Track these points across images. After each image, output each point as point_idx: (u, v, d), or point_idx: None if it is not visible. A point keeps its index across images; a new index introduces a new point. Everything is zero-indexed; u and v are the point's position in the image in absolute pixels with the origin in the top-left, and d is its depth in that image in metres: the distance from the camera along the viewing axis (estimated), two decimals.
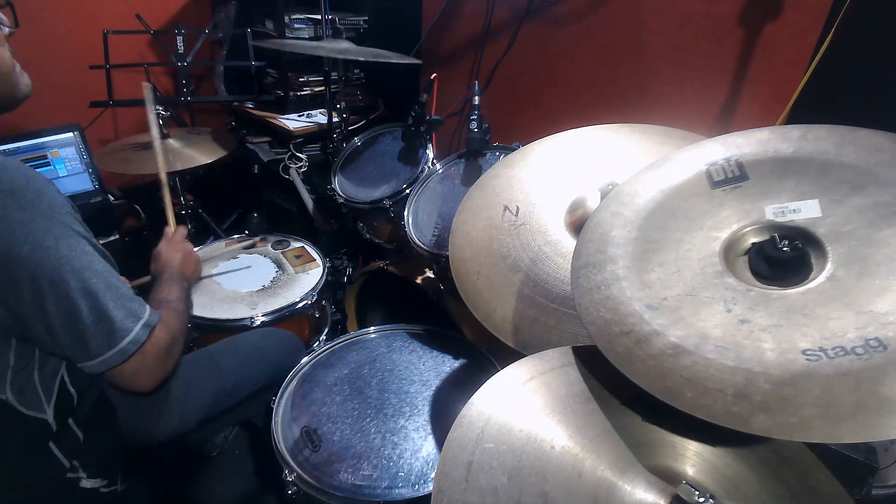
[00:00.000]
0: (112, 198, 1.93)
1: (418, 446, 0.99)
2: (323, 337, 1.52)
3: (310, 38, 1.95)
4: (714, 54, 1.42)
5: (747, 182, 0.69)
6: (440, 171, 1.45)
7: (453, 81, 2.10)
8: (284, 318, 1.37)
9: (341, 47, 1.51)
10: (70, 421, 0.83)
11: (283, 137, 1.97)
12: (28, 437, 0.79)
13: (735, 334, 0.56)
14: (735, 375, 0.53)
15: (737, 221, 0.66)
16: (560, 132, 1.11)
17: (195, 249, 1.60)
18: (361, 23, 2.05)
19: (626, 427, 0.63)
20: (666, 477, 0.58)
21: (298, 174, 1.95)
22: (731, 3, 1.35)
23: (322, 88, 2.05)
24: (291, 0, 1.97)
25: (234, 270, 1.54)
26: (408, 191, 1.44)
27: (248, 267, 1.56)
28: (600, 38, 1.66)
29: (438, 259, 1.26)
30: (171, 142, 1.72)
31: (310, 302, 1.42)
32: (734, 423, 0.50)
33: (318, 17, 1.92)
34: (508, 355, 0.78)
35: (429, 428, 1.03)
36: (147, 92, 1.44)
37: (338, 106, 1.80)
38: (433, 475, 0.76)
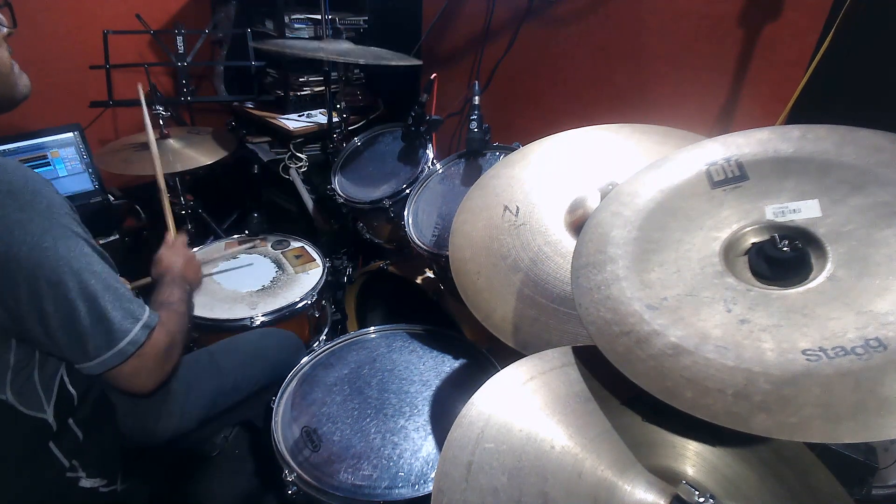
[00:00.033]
0: (112, 198, 1.93)
1: (418, 446, 0.99)
2: (323, 337, 1.52)
3: (310, 38, 1.94)
4: (714, 54, 1.42)
5: (747, 182, 0.69)
6: (440, 171, 1.45)
7: (453, 81, 2.10)
8: (284, 318, 1.37)
9: (341, 49, 1.51)
10: (70, 421, 0.83)
11: (283, 137, 1.97)
12: (28, 437, 0.79)
13: (735, 334, 0.56)
14: (735, 375, 0.53)
15: (737, 221, 0.66)
16: (560, 132, 1.11)
17: (195, 250, 1.61)
18: (361, 23, 2.04)
19: (626, 427, 0.63)
20: (666, 477, 0.58)
21: (298, 174, 1.95)
22: (731, 3, 1.35)
23: (322, 88, 2.05)
24: (291, 0, 1.97)
25: (234, 270, 1.54)
26: (408, 191, 1.44)
27: (249, 267, 1.56)
28: (600, 38, 1.66)
29: (438, 259, 1.26)
30: (171, 142, 1.72)
31: (310, 302, 1.42)
32: (734, 423, 0.50)
33: (318, 17, 1.91)
34: (508, 355, 0.78)
35: (429, 428, 1.03)
36: (142, 96, 1.43)
37: (338, 106, 1.80)
38: (433, 475, 0.76)
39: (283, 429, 1.03)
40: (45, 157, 1.77)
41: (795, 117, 1.23)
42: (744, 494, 0.59)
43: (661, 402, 0.54)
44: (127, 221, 2.00)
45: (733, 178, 0.70)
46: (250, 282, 1.48)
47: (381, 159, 1.65)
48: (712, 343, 0.56)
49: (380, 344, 1.26)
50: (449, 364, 1.20)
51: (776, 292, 0.59)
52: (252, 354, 1.18)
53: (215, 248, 1.65)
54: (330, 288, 1.61)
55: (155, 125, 1.71)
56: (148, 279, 1.14)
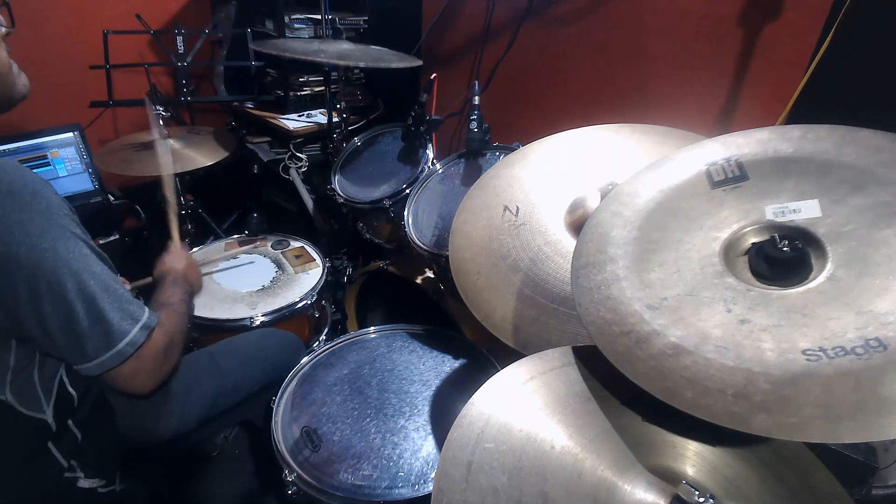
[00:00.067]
0: (112, 198, 1.93)
1: (418, 446, 0.99)
2: (323, 337, 1.52)
3: (310, 38, 1.94)
4: (714, 54, 1.42)
5: (747, 182, 0.69)
6: (440, 171, 1.45)
7: (453, 81, 2.10)
8: (284, 318, 1.37)
9: (341, 51, 1.51)
10: (69, 422, 0.83)
11: (283, 137, 1.97)
12: (27, 438, 0.79)
13: (735, 334, 0.56)
14: (735, 375, 0.53)
15: (737, 221, 0.66)
16: (560, 132, 1.11)
17: (195, 250, 1.61)
18: (361, 23, 2.04)
19: (626, 427, 0.63)
20: (666, 477, 0.58)
21: (298, 174, 1.95)
22: (731, 3, 1.36)
23: (322, 88, 2.05)
24: (291, 0, 1.97)
25: (234, 270, 1.54)
26: (408, 191, 1.44)
27: (249, 267, 1.56)
28: (600, 38, 1.66)
29: (438, 259, 1.26)
30: (171, 142, 1.71)
31: (309, 302, 1.42)
32: (734, 423, 0.50)
33: (318, 17, 1.92)
34: (508, 355, 0.78)
35: (429, 428, 1.03)
36: (152, 115, 1.44)
37: (338, 106, 1.80)
38: (433, 475, 0.76)
39: (283, 429, 1.03)
40: (45, 157, 1.77)
41: (795, 117, 1.23)
42: (744, 494, 0.59)
43: (661, 402, 0.54)
44: (127, 221, 2.00)
45: (733, 178, 0.70)
46: (250, 282, 1.48)
47: (381, 159, 1.65)
48: (712, 343, 0.56)
49: (380, 344, 1.26)
50: (449, 364, 1.20)
51: (776, 292, 0.59)
52: (252, 355, 1.18)
53: (215, 248, 1.65)
54: (330, 288, 1.61)
55: (155, 125, 1.71)
56: (149, 279, 1.14)
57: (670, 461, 0.61)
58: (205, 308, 1.36)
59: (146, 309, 0.83)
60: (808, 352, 0.51)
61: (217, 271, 1.52)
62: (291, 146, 1.94)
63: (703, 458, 0.61)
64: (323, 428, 1.02)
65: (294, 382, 1.14)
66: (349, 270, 1.64)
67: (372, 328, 1.30)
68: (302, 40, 1.89)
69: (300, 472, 0.93)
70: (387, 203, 1.44)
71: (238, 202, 2.19)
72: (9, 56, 0.81)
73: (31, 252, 0.70)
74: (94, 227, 1.73)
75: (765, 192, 0.67)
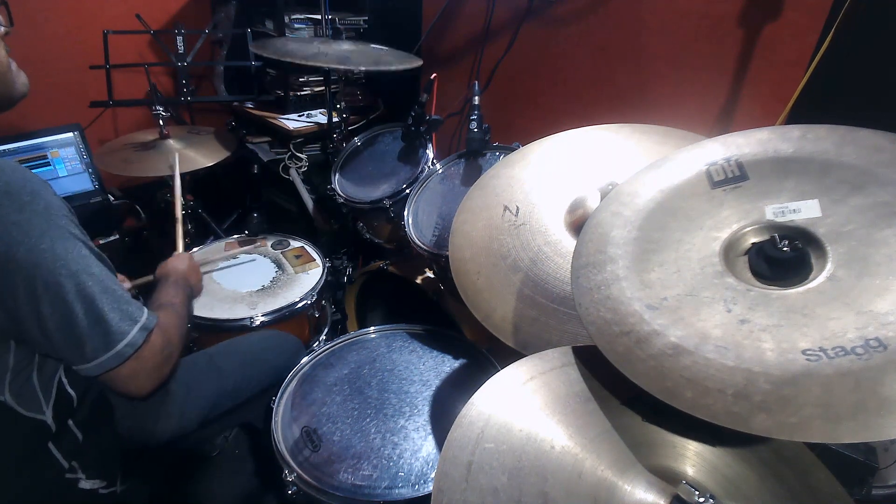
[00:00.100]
0: (112, 198, 1.93)
1: (418, 446, 0.99)
2: (323, 337, 1.52)
3: (310, 38, 1.94)
4: (714, 54, 1.42)
5: (747, 182, 0.69)
6: (440, 171, 1.45)
7: (453, 81, 2.10)
8: (284, 318, 1.37)
9: (342, 53, 1.50)
10: (70, 422, 0.83)
11: (283, 137, 1.97)
12: (27, 438, 0.79)
13: (735, 334, 0.56)
14: (735, 375, 0.53)
15: (737, 221, 0.66)
16: (560, 132, 1.11)
17: (195, 250, 1.61)
18: (361, 23, 2.04)
19: (626, 427, 0.63)
20: (666, 477, 0.58)
21: (298, 174, 1.95)
22: (731, 3, 1.36)
23: (322, 88, 2.05)
24: (291, 0, 1.97)
25: (234, 270, 1.54)
26: (408, 191, 1.44)
27: (249, 267, 1.56)
28: (600, 38, 1.66)
29: (438, 259, 1.26)
30: (171, 142, 1.71)
31: (309, 302, 1.42)
32: (734, 423, 0.50)
33: (318, 17, 1.92)
34: (508, 355, 0.78)
35: (429, 428, 1.03)
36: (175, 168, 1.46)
37: (338, 106, 1.80)
38: (433, 475, 0.76)
39: (283, 429, 1.03)
40: (44, 157, 1.77)
41: (795, 117, 1.23)
42: (744, 494, 0.59)
43: (661, 402, 0.54)
44: (127, 221, 2.00)
45: (733, 178, 0.70)
46: (250, 282, 1.48)
47: (381, 159, 1.65)
48: (712, 343, 0.56)
49: (380, 344, 1.26)
50: (449, 364, 1.20)
51: (776, 292, 0.59)
52: (252, 356, 1.18)
53: (215, 248, 1.65)
54: (330, 288, 1.61)
55: (155, 125, 1.71)
56: (149, 277, 1.15)
57: (670, 461, 0.61)
58: (205, 308, 1.35)
59: (145, 310, 0.83)
60: (808, 352, 0.51)
61: (217, 270, 1.52)
62: (291, 146, 1.94)
63: (703, 458, 0.61)
64: (323, 428, 1.02)
65: (294, 382, 1.14)
66: (349, 270, 1.63)
67: (372, 328, 1.30)
68: (302, 41, 1.89)
69: (300, 472, 0.93)
70: (387, 203, 1.44)
71: (238, 202, 2.19)
72: (8, 55, 0.81)
73: (29, 252, 0.70)
74: (94, 227, 1.73)
75: (765, 192, 0.67)
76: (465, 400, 0.65)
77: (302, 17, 1.94)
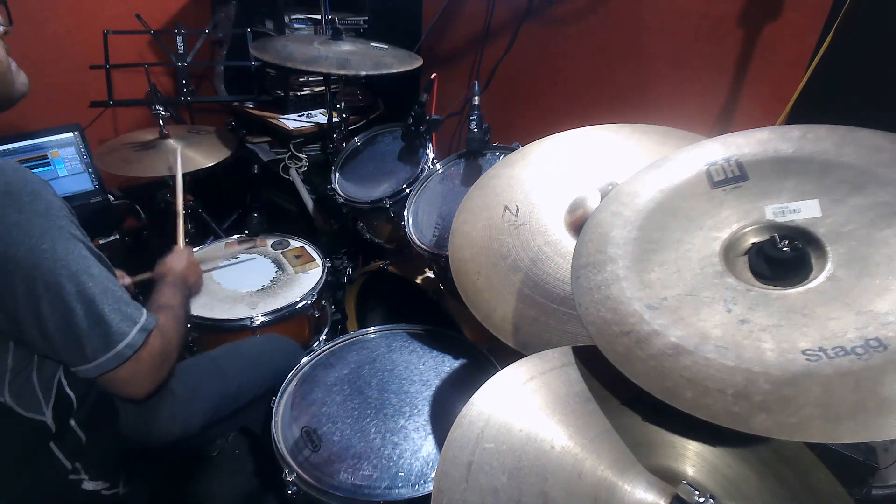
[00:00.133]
0: (112, 198, 1.93)
1: (418, 446, 0.99)
2: (323, 337, 1.52)
3: (310, 39, 1.94)
4: (714, 54, 1.42)
5: (747, 182, 0.69)
6: (440, 171, 1.45)
7: (453, 81, 2.10)
8: (284, 318, 1.37)
9: (341, 55, 1.50)
10: (72, 422, 0.83)
11: (283, 137, 1.97)
12: (28, 439, 0.79)
13: (735, 334, 0.56)
14: (735, 375, 0.53)
15: (737, 221, 0.66)
16: (560, 132, 1.11)
17: (195, 250, 1.61)
18: (361, 23, 2.04)
19: (626, 427, 0.63)
20: (666, 477, 0.58)
21: (298, 174, 1.95)
22: (731, 3, 1.36)
23: (322, 88, 2.05)
24: (291, 0, 1.97)
25: (233, 270, 1.54)
26: (408, 191, 1.44)
27: (248, 267, 1.56)
28: (600, 38, 1.66)
29: (438, 259, 1.26)
30: (171, 142, 1.71)
31: (310, 302, 1.42)
32: (734, 423, 0.50)
33: (319, 17, 1.92)
34: (508, 355, 0.78)
35: (429, 428, 1.03)
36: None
37: (338, 106, 1.80)
38: (433, 475, 0.76)
39: (283, 429, 1.03)
40: (44, 157, 1.77)
41: (795, 117, 1.23)
42: (744, 494, 0.59)
43: (661, 402, 0.54)
44: (127, 221, 2.00)
45: (733, 178, 0.70)
46: (250, 282, 1.48)
47: (381, 159, 1.65)
48: (712, 343, 0.56)
49: (380, 344, 1.26)
50: (449, 364, 1.20)
51: (776, 292, 0.59)
52: (254, 360, 1.18)
53: (215, 248, 1.65)
54: (330, 288, 1.61)
55: (155, 125, 1.71)
56: (149, 274, 1.14)
57: (670, 461, 0.61)
58: (205, 308, 1.35)
59: (144, 311, 0.83)
60: (808, 352, 0.51)
61: (217, 268, 1.52)
62: (291, 146, 1.94)
63: (703, 458, 0.61)
64: (323, 428, 1.02)
65: (294, 382, 1.14)
66: (349, 270, 1.64)
67: (372, 328, 1.30)
68: (302, 41, 1.89)
69: (300, 472, 0.93)
70: (387, 203, 1.44)
71: (238, 202, 2.19)
72: (7, 54, 0.81)
73: (30, 253, 0.70)
74: (94, 227, 1.73)
75: (765, 192, 0.67)
76: (465, 400, 0.65)
77: (302, 17, 1.94)
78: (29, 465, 0.80)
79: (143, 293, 1.08)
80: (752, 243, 0.64)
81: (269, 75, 2.08)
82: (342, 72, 1.43)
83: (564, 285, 0.87)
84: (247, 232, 1.71)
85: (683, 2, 1.45)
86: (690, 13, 1.44)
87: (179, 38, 1.91)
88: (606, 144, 1.05)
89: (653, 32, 1.54)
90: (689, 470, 0.61)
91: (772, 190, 0.67)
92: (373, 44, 1.64)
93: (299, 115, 2.02)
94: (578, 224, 0.92)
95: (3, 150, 1.68)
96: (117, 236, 1.85)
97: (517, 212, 1.01)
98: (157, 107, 1.68)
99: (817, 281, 0.57)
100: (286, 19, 1.90)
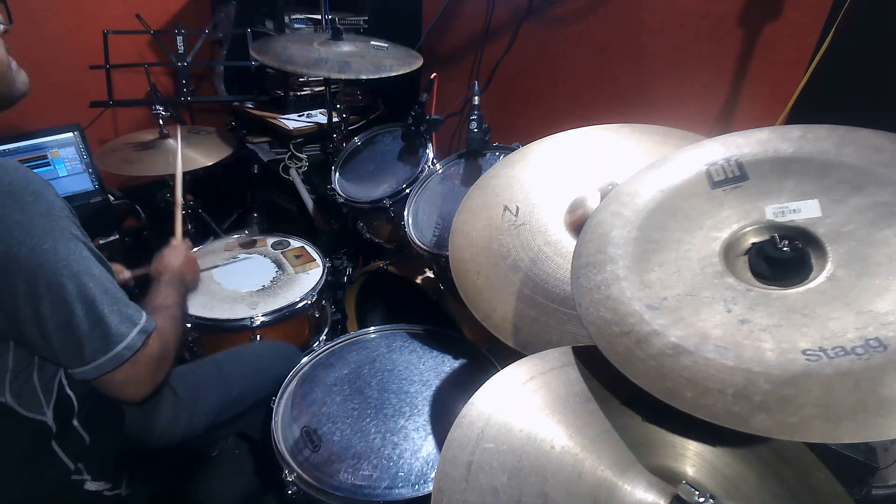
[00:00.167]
0: (112, 198, 1.93)
1: (418, 446, 0.99)
2: (323, 337, 1.52)
3: (309, 38, 1.94)
4: (714, 54, 1.42)
5: (747, 182, 0.69)
6: (440, 171, 1.45)
7: (453, 81, 2.10)
8: (284, 318, 1.37)
9: (342, 57, 1.49)
10: (74, 422, 0.83)
11: (283, 137, 1.97)
12: (29, 439, 0.79)
13: (735, 334, 0.56)
14: (735, 375, 0.53)
15: (737, 221, 0.66)
16: (560, 132, 1.11)
17: (195, 250, 1.61)
18: (361, 22, 2.04)
19: (626, 427, 0.63)
20: (666, 477, 0.58)
21: (298, 174, 1.95)
22: (731, 3, 1.36)
23: (322, 88, 2.05)
24: (291, 0, 1.97)
25: (233, 269, 1.54)
26: (408, 191, 1.44)
27: (249, 267, 1.56)
28: (600, 38, 1.66)
29: (438, 259, 1.26)
30: (171, 142, 1.71)
31: (310, 302, 1.42)
32: (734, 423, 0.50)
33: (319, 17, 1.92)
34: (508, 355, 0.78)
35: (429, 428, 1.03)
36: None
37: (338, 106, 1.80)
38: (433, 475, 0.76)
39: (283, 429, 1.03)
40: (44, 157, 1.77)
41: (795, 117, 1.23)
42: (744, 494, 0.59)
43: (661, 402, 0.54)
44: (127, 221, 2.00)
45: (733, 178, 0.70)
46: (250, 282, 1.48)
47: (381, 159, 1.65)
48: (712, 343, 0.56)
49: (380, 344, 1.26)
50: (449, 364, 1.20)
51: (776, 292, 0.59)
52: (256, 365, 1.19)
53: (215, 247, 1.65)
54: (330, 288, 1.61)
55: (155, 125, 1.71)
56: (145, 270, 1.14)
57: (670, 461, 0.61)
58: (205, 308, 1.35)
59: (143, 313, 0.82)
60: (808, 352, 0.51)
61: (216, 268, 1.52)
62: (291, 146, 1.94)
63: (703, 458, 0.61)
64: (323, 428, 1.02)
65: (294, 382, 1.14)
66: (349, 270, 1.63)
67: (372, 328, 1.30)
68: (302, 41, 1.89)
69: (300, 472, 0.93)
70: (387, 203, 1.44)
71: (238, 202, 2.19)
72: (7, 53, 0.81)
73: (31, 253, 0.70)
74: (94, 227, 1.73)
75: (765, 192, 0.67)
76: (465, 400, 0.65)
77: (302, 17, 1.94)
78: (30, 465, 0.80)
79: (140, 289, 1.07)
80: (752, 243, 0.64)
81: (269, 75, 2.08)
82: (342, 76, 1.43)
83: (564, 285, 0.87)
84: (247, 232, 1.71)
85: (683, 2, 1.45)
86: (690, 13, 1.44)
87: (179, 38, 1.92)
88: (606, 144, 1.05)
89: (653, 32, 1.54)
90: (689, 470, 0.61)
91: (772, 190, 0.67)
92: (373, 42, 1.63)
93: (299, 115, 2.02)
94: (578, 224, 0.92)
95: (4, 149, 1.68)
96: (117, 236, 1.85)
97: (517, 212, 1.01)
98: (157, 107, 1.68)
99: (817, 281, 0.57)
100: (286, 19, 1.90)
